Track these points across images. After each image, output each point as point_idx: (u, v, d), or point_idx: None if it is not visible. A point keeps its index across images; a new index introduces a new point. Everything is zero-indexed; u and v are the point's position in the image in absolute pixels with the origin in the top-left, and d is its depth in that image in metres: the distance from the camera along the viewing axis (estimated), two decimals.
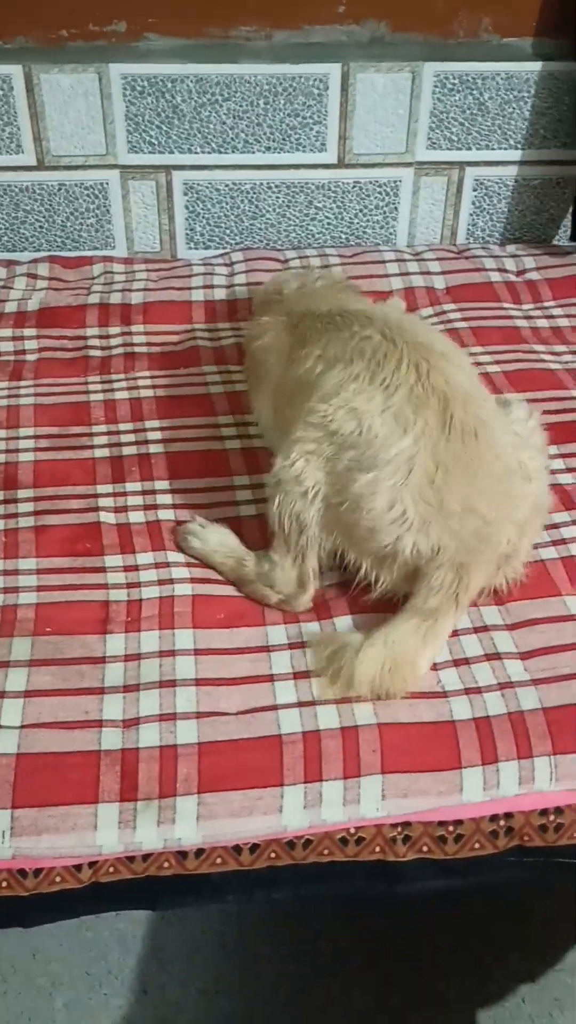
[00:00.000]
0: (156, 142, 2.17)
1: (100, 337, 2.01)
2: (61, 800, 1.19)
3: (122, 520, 1.56)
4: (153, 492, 1.63)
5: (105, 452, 1.70)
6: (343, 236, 2.33)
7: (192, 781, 1.21)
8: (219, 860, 1.24)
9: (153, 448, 1.71)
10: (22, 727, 1.24)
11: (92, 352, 1.97)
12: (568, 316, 2.11)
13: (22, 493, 1.61)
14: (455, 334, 1.99)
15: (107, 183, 2.21)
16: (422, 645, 1.33)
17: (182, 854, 1.23)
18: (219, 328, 2.06)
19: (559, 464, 1.67)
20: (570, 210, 2.31)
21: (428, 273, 2.20)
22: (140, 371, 1.92)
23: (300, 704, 1.30)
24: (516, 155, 2.26)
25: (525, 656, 1.38)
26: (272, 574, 1.42)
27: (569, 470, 1.67)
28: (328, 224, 2.31)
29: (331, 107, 2.15)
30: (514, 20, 2.16)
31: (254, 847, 1.24)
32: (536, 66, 2.15)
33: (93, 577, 1.46)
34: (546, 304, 2.15)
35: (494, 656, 1.38)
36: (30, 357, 1.94)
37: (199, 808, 1.20)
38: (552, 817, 1.29)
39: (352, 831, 1.26)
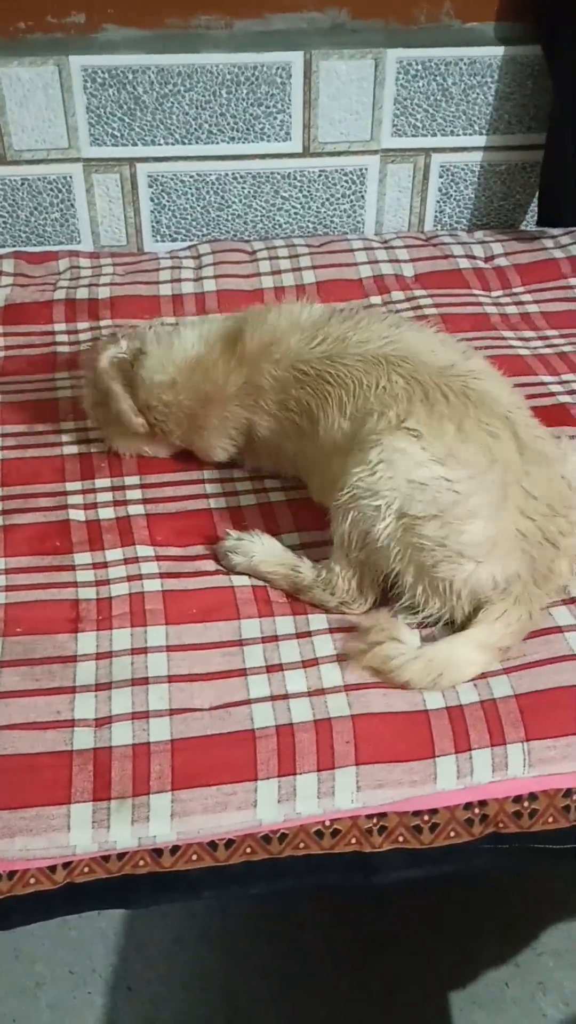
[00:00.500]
0: (119, 134, 2.15)
1: (68, 333, 2.00)
2: (34, 802, 1.18)
3: (92, 517, 1.56)
4: (123, 488, 1.62)
5: (74, 449, 1.69)
6: (310, 225, 2.32)
7: (166, 778, 1.21)
8: (194, 857, 1.23)
9: None
10: None
11: (60, 348, 1.95)
12: (537, 302, 2.11)
13: None
14: (425, 321, 1.98)
15: (70, 177, 2.19)
16: (475, 669, 1.33)
17: (157, 852, 1.22)
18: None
19: None
20: (536, 195, 2.31)
21: (397, 261, 2.20)
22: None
23: (273, 698, 1.29)
24: (481, 141, 2.26)
25: None
26: (333, 581, 1.40)
27: None
28: (295, 214, 2.30)
29: (294, 95, 2.14)
30: (475, 5, 2.15)
31: (229, 843, 1.24)
32: (498, 51, 2.15)
33: (62, 575, 1.45)
34: (515, 290, 2.15)
35: None
36: None
37: (173, 805, 1.20)
38: (526, 803, 1.29)
39: (327, 823, 1.25)
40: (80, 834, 1.17)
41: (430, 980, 1.83)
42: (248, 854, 1.25)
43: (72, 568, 1.46)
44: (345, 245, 2.24)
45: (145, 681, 1.30)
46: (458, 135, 2.24)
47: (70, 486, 1.61)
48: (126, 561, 1.47)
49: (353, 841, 1.26)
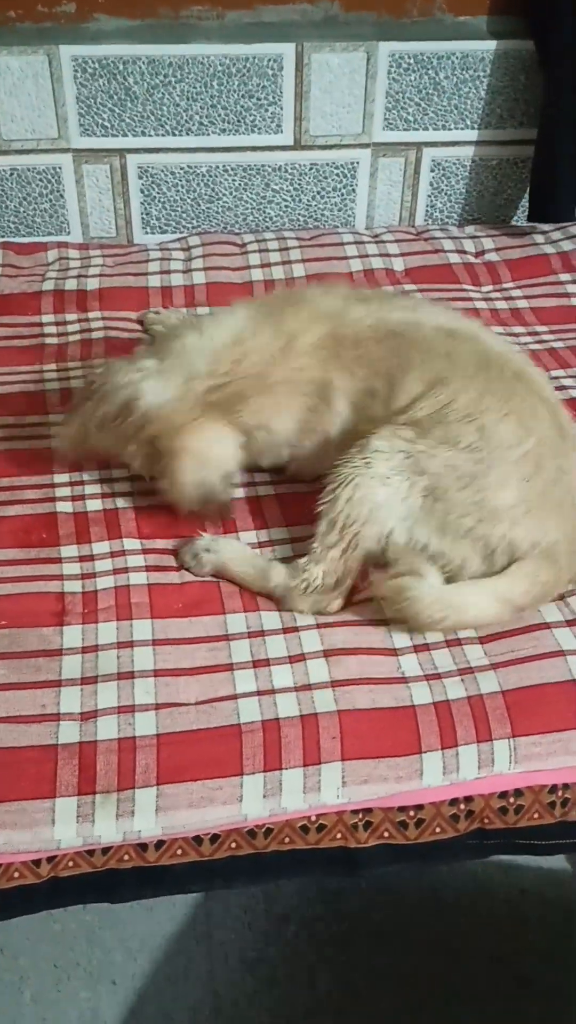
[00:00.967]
0: (109, 125, 2.14)
1: (56, 324, 1.98)
2: (18, 795, 1.18)
3: (79, 509, 1.55)
4: (111, 480, 1.61)
5: None
6: (301, 219, 2.31)
7: (151, 773, 1.20)
8: (179, 851, 1.23)
9: None
10: None
11: (48, 340, 1.94)
12: (527, 297, 2.11)
13: None
14: None
15: (60, 167, 2.18)
16: (484, 617, 1.37)
17: (142, 846, 1.22)
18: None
19: None
20: (528, 190, 2.31)
21: (387, 255, 2.19)
22: (97, 358, 1.89)
23: (259, 693, 1.29)
24: (473, 135, 2.25)
25: (484, 640, 1.38)
26: (312, 575, 1.39)
27: None
28: (285, 207, 2.29)
29: (286, 88, 2.13)
30: None
31: (214, 837, 1.24)
32: (491, 45, 2.14)
33: (48, 568, 1.44)
34: (505, 285, 2.15)
35: (454, 642, 1.38)
36: None
37: (158, 800, 1.19)
38: (512, 799, 1.30)
39: (313, 819, 1.25)
40: (65, 828, 1.17)
41: (414, 974, 1.84)
42: (233, 849, 1.24)
43: (58, 561, 1.45)
44: (335, 239, 2.24)
45: (131, 675, 1.30)
46: (450, 129, 2.23)
47: (57, 478, 1.60)
48: (112, 554, 1.46)
49: (338, 836, 1.26)
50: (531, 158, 2.25)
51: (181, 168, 2.21)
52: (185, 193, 2.24)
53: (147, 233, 2.29)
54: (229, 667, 1.32)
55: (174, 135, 2.17)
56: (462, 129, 2.24)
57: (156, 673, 1.30)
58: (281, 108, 2.16)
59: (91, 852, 1.21)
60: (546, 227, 2.29)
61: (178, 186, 2.23)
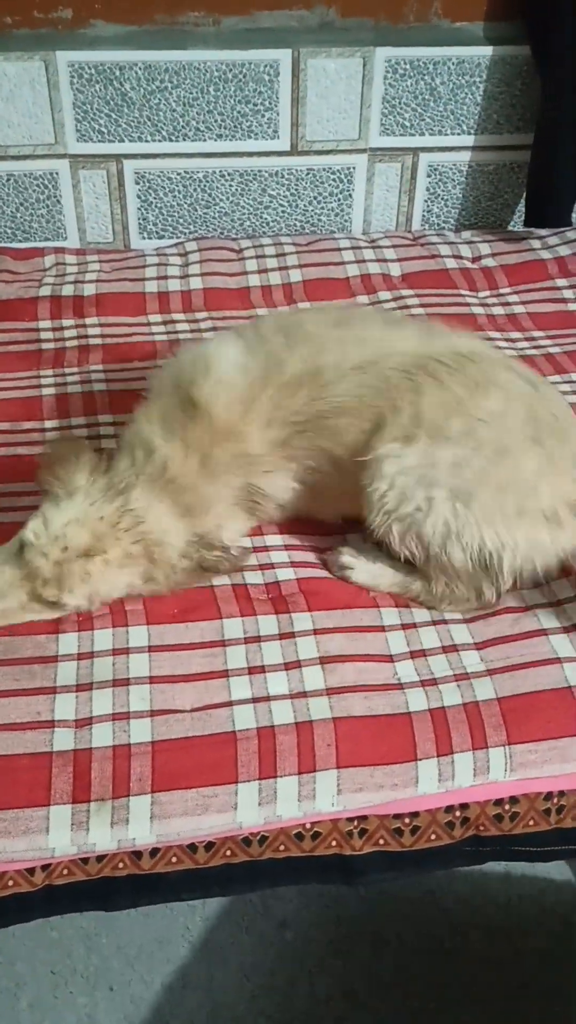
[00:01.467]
0: (106, 130, 2.14)
1: (53, 330, 1.99)
2: (12, 803, 1.17)
3: None
4: None
5: None
6: (298, 224, 2.31)
7: (146, 780, 1.20)
8: (174, 859, 1.23)
9: (106, 443, 1.69)
10: None
11: (45, 345, 1.94)
12: (524, 303, 2.11)
13: None
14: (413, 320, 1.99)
15: (57, 173, 2.18)
16: None
17: (137, 854, 1.22)
18: (174, 319, 2.05)
19: None
20: (524, 196, 2.31)
21: (384, 260, 2.20)
22: (94, 364, 1.89)
23: (255, 700, 1.29)
24: (469, 140, 2.25)
25: (480, 646, 1.38)
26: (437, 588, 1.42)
27: None
28: (282, 212, 2.29)
29: (282, 93, 2.13)
30: (464, 4, 2.15)
31: (209, 845, 1.24)
32: (487, 50, 2.14)
33: None
34: (502, 291, 2.15)
35: (451, 648, 1.38)
36: None
37: (153, 807, 1.19)
38: (507, 806, 1.29)
39: (308, 826, 1.25)
40: (59, 836, 1.17)
41: (412, 979, 1.83)
42: (228, 857, 1.24)
43: None
44: (332, 244, 2.24)
45: (126, 682, 1.29)
46: (446, 135, 2.24)
47: None
48: None
49: (333, 844, 1.26)
50: (527, 163, 2.25)
51: (178, 173, 2.21)
52: (182, 198, 2.24)
53: (144, 238, 2.29)
54: (225, 674, 1.32)
55: (171, 141, 2.17)
56: (458, 134, 2.24)
57: (152, 680, 1.30)
58: (278, 114, 2.16)
59: (86, 860, 1.21)
60: (543, 232, 2.29)
61: (175, 191, 2.23)
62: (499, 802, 1.29)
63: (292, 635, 1.38)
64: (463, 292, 2.13)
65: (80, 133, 2.14)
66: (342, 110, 2.17)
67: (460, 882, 1.95)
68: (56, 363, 1.89)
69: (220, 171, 2.21)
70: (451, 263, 2.20)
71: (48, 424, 1.73)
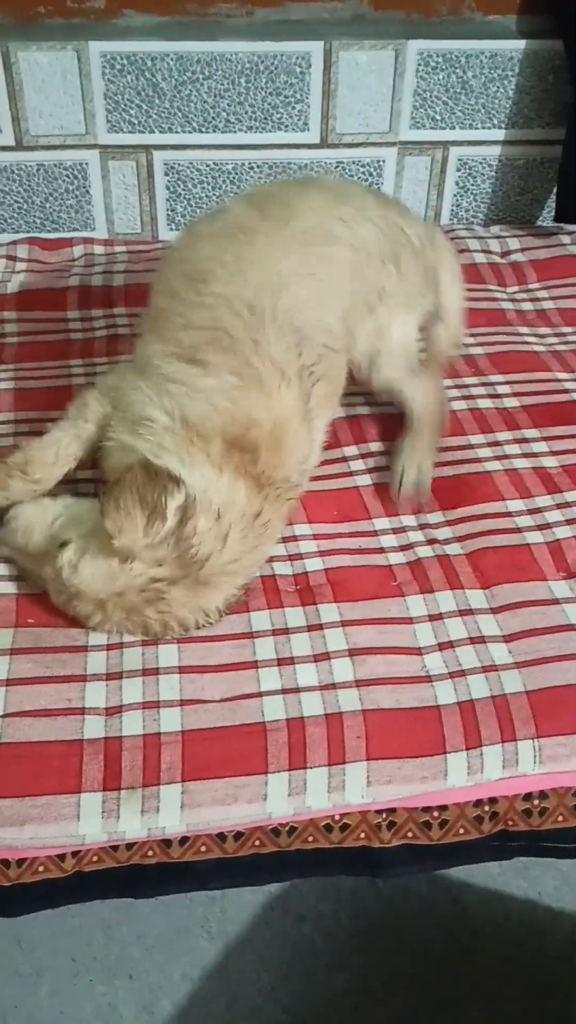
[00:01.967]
0: (136, 121, 2.14)
1: (82, 320, 1.99)
2: (44, 790, 1.18)
3: None
4: None
5: None
6: None
7: (176, 769, 1.20)
8: (203, 848, 1.23)
9: None
10: (4, 716, 1.23)
11: (74, 335, 1.94)
12: (553, 298, 2.10)
13: None
14: None
15: (86, 163, 2.18)
16: None
17: (166, 842, 1.22)
18: None
19: (543, 447, 1.67)
20: (554, 190, 2.30)
21: None
22: (123, 355, 1.89)
23: (284, 691, 1.29)
24: (500, 135, 2.24)
25: (509, 639, 1.37)
26: None
27: (553, 453, 1.66)
28: None
29: (313, 85, 2.13)
30: None
31: (238, 835, 1.24)
32: (520, 44, 2.13)
33: None
34: (531, 286, 2.14)
35: (478, 639, 1.37)
36: (10, 340, 1.91)
37: (183, 796, 1.19)
38: (536, 801, 1.29)
39: (337, 818, 1.25)
40: (90, 823, 1.17)
41: (429, 975, 1.83)
42: (257, 847, 1.25)
43: None
44: None
45: (156, 671, 1.30)
46: (477, 128, 2.23)
47: (81, 474, 1.60)
48: None
49: (362, 836, 1.26)
50: (558, 158, 2.24)
51: (207, 165, 2.21)
52: (211, 190, 2.24)
53: (172, 230, 2.29)
54: (254, 664, 1.32)
55: (201, 132, 2.17)
56: (489, 128, 2.23)
57: (181, 670, 1.30)
58: (308, 106, 2.15)
59: (115, 847, 1.21)
60: (572, 227, 2.28)
61: (204, 183, 2.23)
62: (528, 797, 1.29)
63: (320, 627, 1.38)
64: (492, 287, 2.12)
65: (111, 124, 2.14)
66: (373, 103, 2.17)
67: (480, 878, 1.94)
68: (85, 353, 1.89)
69: (249, 163, 2.21)
70: (480, 258, 2.19)
71: None
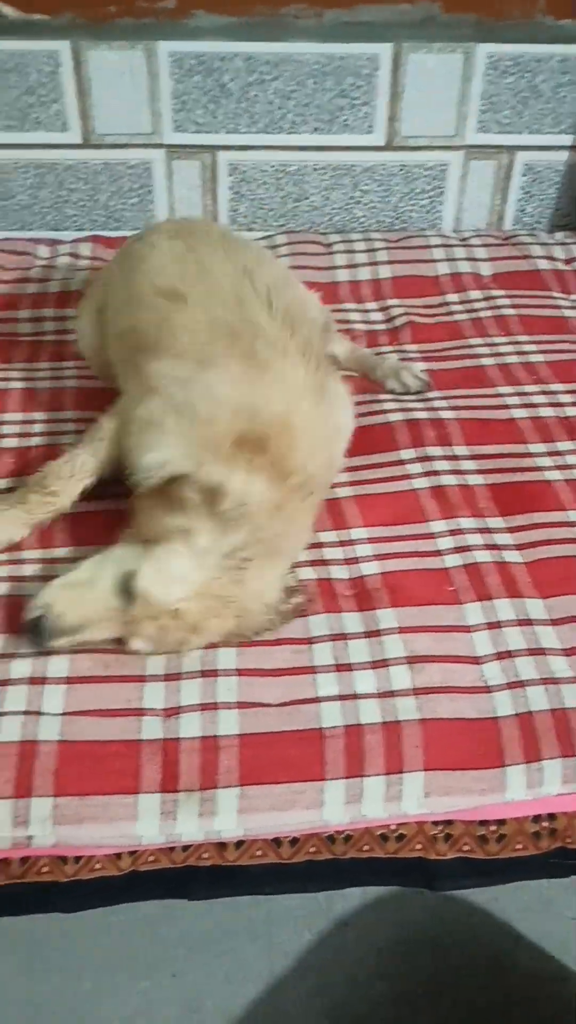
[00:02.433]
0: (202, 121, 2.15)
1: None
2: (102, 789, 1.18)
3: None
4: None
5: None
6: (388, 220, 2.30)
7: (233, 773, 1.20)
8: (259, 852, 1.23)
9: None
10: (64, 714, 1.23)
11: None
12: None
13: None
14: (503, 321, 1.97)
15: (151, 163, 2.19)
16: None
17: (221, 845, 1.22)
18: None
19: None
20: None
21: (474, 259, 2.17)
22: None
23: (342, 697, 1.28)
24: (568, 140, 2.22)
25: (568, 652, 1.35)
26: None
27: None
28: (373, 207, 2.27)
29: (380, 88, 2.12)
30: (569, 1, 2.10)
31: (294, 840, 1.23)
32: None
33: None
34: None
35: (537, 651, 1.35)
36: (71, 338, 1.92)
37: (240, 800, 1.19)
38: None
39: (393, 828, 1.24)
40: (148, 824, 1.17)
41: (471, 987, 1.81)
42: (312, 853, 1.24)
43: None
44: (422, 241, 2.22)
45: (214, 673, 1.29)
46: (544, 133, 2.20)
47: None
48: None
49: (418, 847, 1.25)
50: None
51: (271, 166, 2.21)
52: (274, 191, 2.24)
53: (233, 230, 2.29)
54: (312, 670, 1.31)
55: (266, 133, 2.17)
56: (557, 133, 2.20)
57: (239, 672, 1.30)
58: (374, 108, 2.14)
59: (171, 848, 1.21)
60: None
61: (267, 184, 2.23)
62: None
63: (378, 633, 1.37)
64: (555, 294, 2.09)
65: (177, 123, 2.15)
66: (440, 106, 2.15)
67: (527, 892, 1.92)
68: None
69: (313, 165, 2.21)
70: (543, 264, 2.17)
71: None
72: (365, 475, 1.62)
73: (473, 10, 2.11)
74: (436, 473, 1.62)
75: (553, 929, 1.89)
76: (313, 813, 1.20)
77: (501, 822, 1.26)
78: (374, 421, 1.72)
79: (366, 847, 1.24)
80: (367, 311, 2.06)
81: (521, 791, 1.23)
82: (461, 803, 1.22)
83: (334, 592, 1.42)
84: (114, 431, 1.47)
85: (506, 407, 1.75)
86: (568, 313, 2.04)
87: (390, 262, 2.15)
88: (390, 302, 2.07)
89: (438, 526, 1.53)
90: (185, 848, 1.22)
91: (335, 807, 1.20)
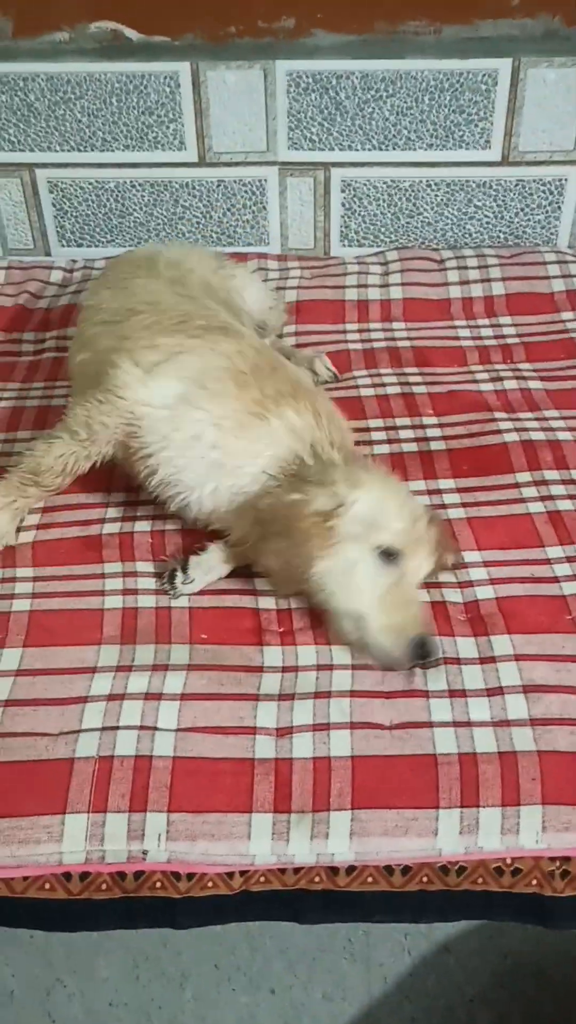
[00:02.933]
0: (316, 139, 2.15)
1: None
2: (216, 807, 1.19)
3: None
4: None
5: None
6: (502, 235, 2.26)
7: (346, 796, 1.19)
8: (370, 879, 1.22)
9: None
10: (178, 730, 1.25)
11: None
12: None
13: None
14: None
15: (265, 180, 2.21)
16: None
17: (333, 870, 1.21)
18: (370, 328, 2.04)
19: None
20: None
21: None
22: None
23: (456, 723, 1.26)
24: None
25: None
26: None
27: None
28: (487, 223, 2.25)
29: (498, 103, 2.09)
30: None
31: (406, 869, 1.22)
32: None
33: (240, 583, 1.45)
34: None
35: None
36: None
37: (353, 824, 1.18)
38: None
39: (509, 862, 1.22)
40: (260, 844, 1.18)
41: (571, 1020, 1.77)
42: (424, 883, 1.22)
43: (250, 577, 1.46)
44: (537, 257, 2.18)
45: (328, 695, 1.29)
46: None
47: None
48: None
49: (534, 883, 1.22)
50: None
51: (384, 182, 2.20)
52: (386, 207, 2.23)
53: (344, 246, 2.29)
54: (425, 694, 1.30)
55: (380, 150, 2.16)
56: None
57: (352, 694, 1.29)
58: (491, 124, 2.12)
59: (283, 870, 1.21)
60: None
61: (380, 200, 2.22)
62: None
63: (493, 659, 1.35)
64: None
65: (291, 141, 2.16)
66: (558, 120, 2.11)
67: None
68: None
69: (427, 181, 2.19)
70: None
71: None
72: (479, 496, 1.60)
73: None
74: (552, 498, 1.59)
75: None
76: (427, 841, 1.18)
77: None
78: (490, 441, 1.70)
79: (480, 880, 1.22)
80: (478, 327, 2.04)
81: None
82: None
83: (448, 615, 1.41)
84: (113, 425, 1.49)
85: None
86: None
87: (504, 279, 2.12)
88: (502, 319, 2.04)
89: (554, 552, 1.50)
90: (297, 870, 1.21)
91: (449, 836, 1.18)
